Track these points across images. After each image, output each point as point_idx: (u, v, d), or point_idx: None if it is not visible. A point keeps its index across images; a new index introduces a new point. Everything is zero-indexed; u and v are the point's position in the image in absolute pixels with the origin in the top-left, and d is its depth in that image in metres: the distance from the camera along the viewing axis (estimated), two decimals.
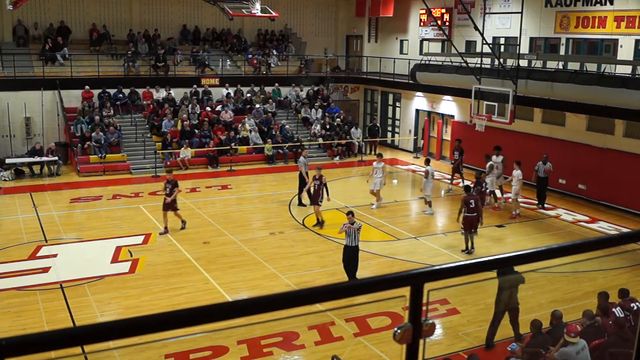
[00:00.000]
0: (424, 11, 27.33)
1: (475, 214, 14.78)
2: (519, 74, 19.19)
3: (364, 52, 32.26)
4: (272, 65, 29.64)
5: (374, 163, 19.23)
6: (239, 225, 17.12)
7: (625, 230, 16.81)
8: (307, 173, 18.69)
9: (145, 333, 1.43)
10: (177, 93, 26.56)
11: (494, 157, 19.39)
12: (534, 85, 19.84)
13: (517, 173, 17.93)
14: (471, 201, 14.83)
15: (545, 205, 19.68)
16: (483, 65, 21.03)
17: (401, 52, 30.15)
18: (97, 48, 27.06)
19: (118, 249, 14.85)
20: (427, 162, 18.93)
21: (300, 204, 19.06)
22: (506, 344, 10.04)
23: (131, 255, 14.58)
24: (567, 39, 21.93)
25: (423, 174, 19.04)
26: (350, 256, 12.65)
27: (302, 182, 18.80)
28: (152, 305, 11.78)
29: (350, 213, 12.98)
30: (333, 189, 20.63)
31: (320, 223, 16.93)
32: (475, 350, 9.95)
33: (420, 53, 28.13)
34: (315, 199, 16.97)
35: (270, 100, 28.15)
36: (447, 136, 26.77)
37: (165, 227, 16.21)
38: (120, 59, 26.88)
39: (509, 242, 16.23)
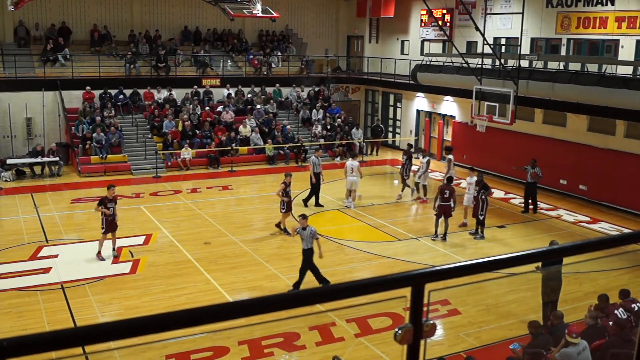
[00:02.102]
0: (424, 12, 27.33)
1: (448, 202, 15.80)
2: (520, 74, 19.20)
3: (365, 53, 32.27)
4: (273, 65, 29.65)
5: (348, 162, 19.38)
6: (239, 225, 17.12)
7: (626, 230, 16.81)
8: (317, 174, 18.78)
9: (146, 334, 1.43)
10: (178, 93, 26.59)
11: (449, 156, 19.83)
12: (535, 85, 19.84)
13: (472, 180, 16.89)
14: (446, 191, 15.83)
15: (547, 206, 19.67)
16: (484, 66, 21.03)
17: (402, 53, 30.15)
18: (98, 49, 27.09)
19: (119, 250, 14.84)
20: (354, 156, 20.11)
21: (317, 204, 19.04)
22: (507, 344, 10.03)
23: (132, 256, 14.58)
24: (568, 40, 21.92)
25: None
26: (306, 259, 12.47)
27: (317, 182, 18.85)
28: (152, 305, 11.79)
29: (301, 216, 12.90)
30: (334, 189, 20.66)
31: (285, 230, 16.29)
32: (475, 352, 9.95)
33: (421, 53, 28.13)
34: (289, 207, 16.36)
35: (271, 100, 28.16)
36: (449, 137, 26.79)
37: (114, 248, 14.57)
38: (121, 60, 26.91)
39: (510, 242, 16.22)
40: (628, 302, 9.36)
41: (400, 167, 21.16)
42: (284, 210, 16.24)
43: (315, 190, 18.96)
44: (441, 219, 15.95)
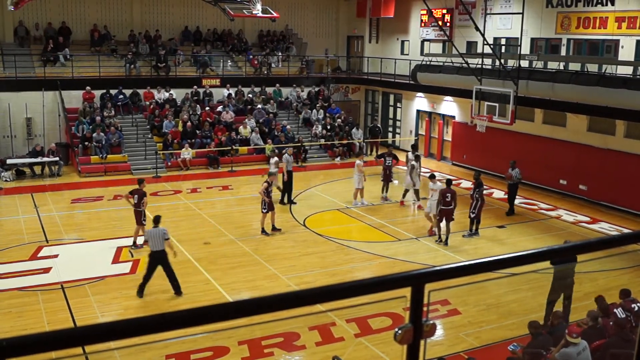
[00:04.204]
0: (424, 12, 27.32)
1: (450, 206, 15.44)
2: (520, 74, 19.19)
3: (365, 53, 32.26)
4: (273, 65, 29.65)
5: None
6: (239, 225, 17.11)
7: (626, 230, 16.80)
8: (289, 171, 18.96)
9: (146, 333, 1.43)
10: (178, 93, 26.58)
11: (409, 154, 20.02)
12: (535, 85, 19.84)
13: (436, 186, 16.13)
14: (447, 195, 15.46)
15: (547, 206, 19.68)
16: (484, 66, 21.02)
17: (402, 53, 30.14)
18: (98, 49, 27.09)
19: (119, 250, 14.86)
20: (357, 155, 21.44)
21: (282, 201, 19.17)
22: (507, 344, 10.03)
23: (132, 256, 14.59)
24: (568, 40, 21.92)
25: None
26: (152, 261, 12.15)
27: (289, 180, 19.14)
28: (153, 305, 11.78)
29: (154, 218, 12.63)
30: (334, 189, 20.65)
31: (276, 229, 16.46)
32: (475, 352, 9.96)
33: (421, 54, 28.12)
34: (270, 207, 16.22)
35: (272, 100, 28.15)
36: (448, 137, 26.78)
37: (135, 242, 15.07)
38: (122, 60, 26.90)
39: (509, 242, 16.22)
40: (628, 302, 9.36)
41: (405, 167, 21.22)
42: (265, 210, 16.19)
43: (288, 188, 19.19)
44: (443, 223, 15.82)
